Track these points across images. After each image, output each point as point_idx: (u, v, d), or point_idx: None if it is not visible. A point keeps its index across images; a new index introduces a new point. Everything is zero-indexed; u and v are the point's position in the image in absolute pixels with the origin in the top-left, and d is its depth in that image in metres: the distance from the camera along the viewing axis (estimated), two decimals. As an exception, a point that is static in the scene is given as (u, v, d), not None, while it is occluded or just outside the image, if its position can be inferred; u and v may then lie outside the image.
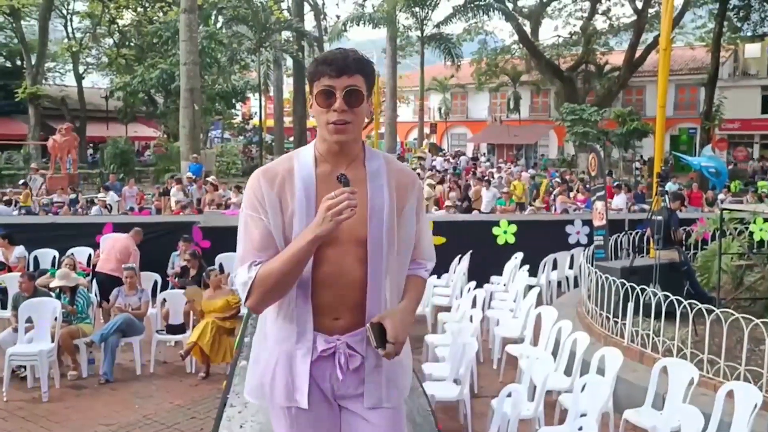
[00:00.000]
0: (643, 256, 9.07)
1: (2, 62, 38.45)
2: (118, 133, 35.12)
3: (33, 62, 33.23)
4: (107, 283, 8.90)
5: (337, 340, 2.29)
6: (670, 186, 15.35)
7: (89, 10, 35.72)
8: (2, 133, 33.91)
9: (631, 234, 10.30)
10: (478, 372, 7.08)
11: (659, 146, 9.11)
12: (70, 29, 37.96)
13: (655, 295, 6.60)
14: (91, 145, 38.08)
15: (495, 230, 11.53)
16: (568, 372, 6.20)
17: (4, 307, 8.56)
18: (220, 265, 10.09)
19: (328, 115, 2.23)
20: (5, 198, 17.77)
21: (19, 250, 10.02)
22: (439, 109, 47.44)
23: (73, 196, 17.21)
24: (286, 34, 35.72)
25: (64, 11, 37.23)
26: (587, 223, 11.37)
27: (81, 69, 38.34)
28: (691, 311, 6.33)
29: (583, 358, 6.00)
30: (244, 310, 7.21)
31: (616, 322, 7.23)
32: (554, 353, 6.54)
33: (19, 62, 36.54)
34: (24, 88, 31.73)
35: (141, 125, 39.84)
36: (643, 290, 6.79)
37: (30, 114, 33.07)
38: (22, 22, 35.37)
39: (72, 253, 10.14)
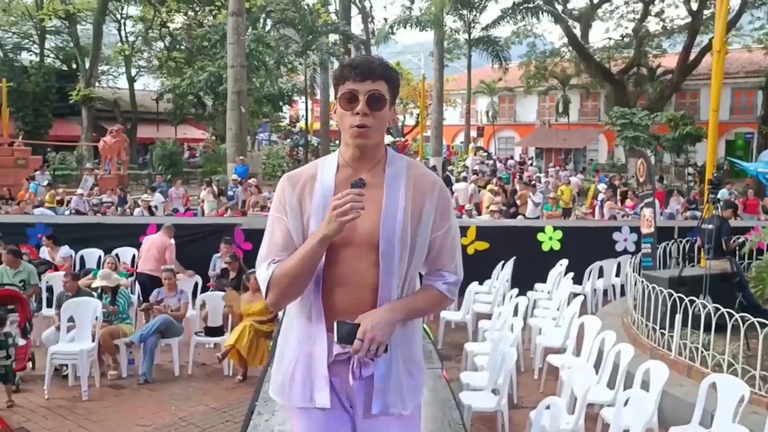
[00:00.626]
0: (693, 266, 8.74)
1: (58, 65, 39.46)
2: (168, 134, 35.74)
3: (87, 65, 34.05)
4: (148, 283, 9.02)
5: None
6: (724, 193, 14.88)
7: (141, 14, 36.45)
8: (57, 134, 34.85)
9: (681, 242, 9.98)
10: (518, 382, 6.92)
11: (711, 152, 8.78)
12: (123, 33, 38.79)
13: (704, 306, 6.33)
14: (141, 146, 38.81)
15: (540, 236, 11.31)
16: (611, 385, 5.98)
17: (51, 306, 8.71)
18: (261, 268, 10.10)
19: (351, 119, 2.27)
20: (57, 198, 18.23)
21: (64, 250, 10.22)
22: (487, 112, 47.07)
23: (121, 196, 17.56)
24: (333, 38, 35.85)
25: (118, 15, 38.04)
26: (635, 230, 11.05)
27: (133, 72, 39.12)
28: (743, 324, 6.04)
29: (628, 371, 5.78)
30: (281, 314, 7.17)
31: (663, 334, 6.96)
32: (597, 364, 6.33)
33: (74, 65, 37.45)
34: (78, 90, 32.53)
35: (190, 127, 40.49)
36: (692, 301, 6.53)
37: (83, 116, 33.89)
38: (78, 26, 36.29)
39: (116, 254, 10.32)
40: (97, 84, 36.17)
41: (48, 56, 39.20)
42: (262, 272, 2.31)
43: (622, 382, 5.72)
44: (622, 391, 5.53)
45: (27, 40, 38.95)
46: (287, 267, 2.25)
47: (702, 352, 6.36)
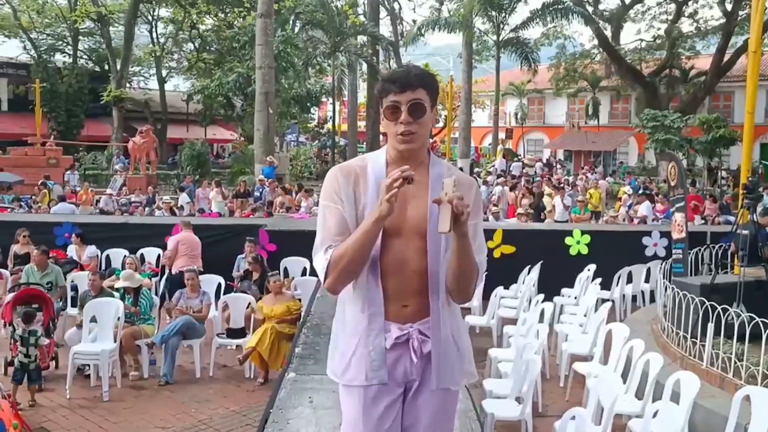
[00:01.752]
0: (726, 272, 8.48)
1: (91, 66, 39.98)
2: (198, 135, 35.97)
3: (118, 67, 34.43)
4: (178, 280, 8.92)
5: (411, 327, 2.52)
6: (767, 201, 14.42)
7: (172, 15, 36.76)
8: (89, 134, 35.28)
9: (713, 248, 9.71)
10: (543, 389, 6.77)
11: (746, 155, 8.51)
12: (154, 35, 39.18)
13: (738, 315, 6.12)
14: (171, 147, 39.14)
15: (568, 240, 11.10)
16: (639, 395, 5.80)
17: (75, 305, 8.74)
18: (285, 269, 10.07)
19: (396, 127, 2.50)
20: (84, 197, 18.41)
21: (91, 249, 10.27)
22: (516, 114, 46.66)
23: (150, 196, 17.68)
24: (361, 39, 35.81)
25: (149, 17, 38.44)
26: (665, 234, 10.81)
27: (164, 73, 39.48)
28: (779, 335, 5.82)
29: (657, 381, 5.60)
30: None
31: (694, 343, 6.74)
32: (625, 373, 6.15)
33: (106, 67, 37.90)
34: (109, 91, 32.89)
35: (219, 128, 40.71)
36: (725, 310, 6.32)
37: (114, 116, 34.27)
38: (110, 28, 36.74)
39: (141, 254, 10.36)
40: (128, 85, 36.56)
41: (81, 58, 39.74)
42: (320, 258, 2.46)
43: (651, 393, 5.54)
44: (650, 401, 5.35)
45: (61, 42, 39.51)
46: (345, 248, 2.41)
47: (735, 362, 6.14)
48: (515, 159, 33.77)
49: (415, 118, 2.47)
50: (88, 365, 7.30)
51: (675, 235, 8.99)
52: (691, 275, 8.66)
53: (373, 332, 2.53)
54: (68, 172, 22.30)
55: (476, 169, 30.82)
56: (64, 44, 39.39)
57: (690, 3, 33.35)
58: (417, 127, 2.48)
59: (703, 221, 14.59)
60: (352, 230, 2.46)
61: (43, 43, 38.90)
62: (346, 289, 2.55)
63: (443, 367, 2.58)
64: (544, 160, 38.21)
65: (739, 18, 29.87)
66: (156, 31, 39.25)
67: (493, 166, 29.94)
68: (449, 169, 2.65)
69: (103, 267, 10.31)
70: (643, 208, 14.92)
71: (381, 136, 35.99)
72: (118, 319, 7.31)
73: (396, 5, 42.71)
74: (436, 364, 2.56)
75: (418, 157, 2.57)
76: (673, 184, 9.30)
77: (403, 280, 2.52)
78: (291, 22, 33.57)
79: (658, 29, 35.18)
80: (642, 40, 36.32)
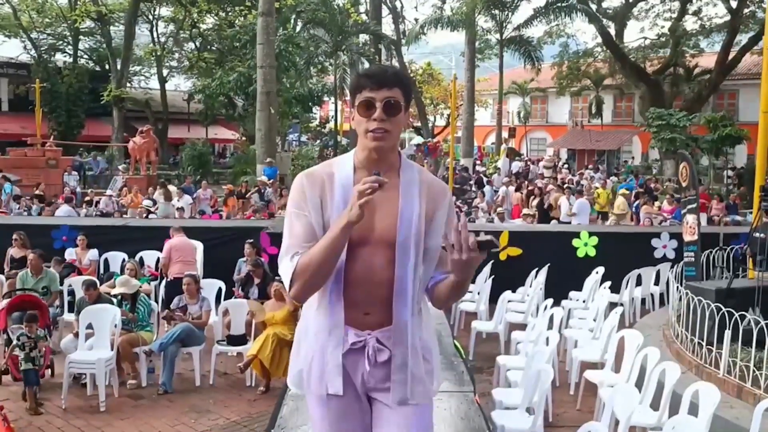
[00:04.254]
0: (743, 276, 8.24)
1: (91, 66, 39.75)
2: (199, 135, 35.76)
3: (119, 66, 34.21)
4: (175, 288, 8.76)
5: (368, 335, 2.45)
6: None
7: (173, 14, 36.53)
8: (90, 134, 35.04)
9: (725, 249, 9.49)
10: (553, 398, 6.55)
11: (762, 156, 8.26)
12: (155, 34, 38.96)
13: (757, 322, 5.90)
14: (173, 147, 38.92)
15: (575, 242, 10.89)
16: (654, 405, 5.58)
17: (72, 310, 8.53)
18: (287, 273, 9.85)
19: (368, 124, 2.40)
20: (86, 198, 18.22)
21: (93, 253, 10.08)
22: (518, 113, 46.44)
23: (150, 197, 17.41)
24: (363, 38, 35.59)
25: (150, 16, 38.21)
26: (675, 236, 10.59)
27: (164, 72, 39.24)
28: (800, 342, 5.60)
29: (674, 391, 5.38)
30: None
31: (710, 350, 6.52)
32: (639, 382, 5.92)
33: (107, 66, 37.68)
34: (109, 91, 32.68)
35: (221, 128, 40.48)
36: (742, 316, 6.09)
37: (114, 116, 34.05)
38: (111, 27, 36.52)
39: (141, 257, 10.15)
40: (129, 84, 36.32)
41: (81, 57, 39.47)
42: (286, 265, 2.37)
43: (668, 403, 5.33)
44: (667, 412, 5.14)
45: (61, 42, 39.28)
46: (312, 256, 2.32)
47: (754, 371, 5.92)
48: (517, 158, 33.50)
49: (389, 116, 2.38)
50: (85, 374, 7.10)
51: (687, 238, 8.76)
52: (703, 279, 8.43)
53: (331, 343, 2.46)
54: (66, 173, 22.06)
55: (479, 168, 30.55)
56: (65, 44, 39.12)
57: (694, 0, 33.05)
58: (390, 126, 2.40)
59: (709, 221, 14.37)
60: (320, 237, 2.37)
61: (44, 43, 38.66)
62: (310, 298, 2.50)
63: (408, 380, 2.49)
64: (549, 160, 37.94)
65: (745, 15, 29.54)
66: (157, 31, 39.04)
67: (497, 166, 29.66)
68: (422, 173, 2.57)
69: (102, 270, 10.13)
70: (576, 206, 14.80)
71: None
72: (115, 326, 7.10)
73: (398, 3, 42.47)
74: (398, 377, 2.48)
75: (388, 158, 2.49)
76: (684, 184, 9.07)
77: (367, 290, 2.44)
78: (292, 20, 33.31)
79: (662, 27, 34.83)
80: (646, 38, 35.94)
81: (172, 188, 16.98)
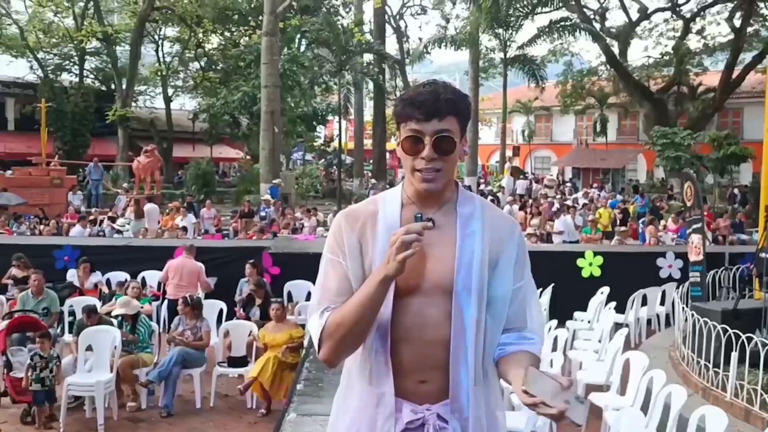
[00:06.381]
0: (750, 296, 8.15)
1: (97, 86, 40.00)
2: (204, 154, 35.83)
3: (124, 86, 34.42)
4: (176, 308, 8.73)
5: (427, 410, 2.03)
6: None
7: (178, 34, 36.78)
8: (95, 153, 35.15)
9: (731, 269, 9.40)
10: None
11: (767, 174, 8.21)
12: (160, 54, 39.20)
13: (764, 344, 5.81)
14: (177, 166, 39.01)
15: (580, 261, 10.81)
16: (661, 429, 5.48)
17: (72, 330, 8.48)
18: (289, 293, 9.80)
19: (415, 162, 2.02)
20: (90, 218, 18.20)
21: (97, 276, 10.04)
22: (523, 131, 46.49)
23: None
24: (367, 57, 35.73)
25: (155, 36, 38.49)
26: (680, 255, 10.50)
27: (169, 92, 39.45)
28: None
29: (680, 414, 5.28)
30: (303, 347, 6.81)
31: (716, 372, 6.43)
32: (644, 405, 5.83)
33: (112, 86, 37.92)
34: (114, 110, 32.85)
35: (225, 147, 40.58)
36: (749, 338, 6.01)
37: (119, 135, 34.19)
38: (116, 47, 36.78)
39: (143, 278, 10.10)
40: (134, 104, 36.50)
41: (87, 77, 39.74)
42: (314, 322, 2.03)
43: (674, 428, 5.23)
44: (674, 438, 5.05)
45: (67, 62, 39.57)
46: (342, 314, 1.97)
47: (762, 394, 5.82)
48: (522, 176, 33.49)
49: (440, 154, 1.98)
50: (83, 396, 7.02)
51: (692, 258, 8.69)
52: (709, 299, 8.34)
53: (381, 416, 2.03)
54: (71, 193, 22.10)
55: (484, 188, 30.51)
56: (71, 64, 39.41)
57: (698, 19, 33.14)
58: (442, 164, 2.00)
59: (715, 240, 14.28)
60: (356, 288, 2.02)
61: (50, 63, 38.94)
62: (352, 357, 2.10)
63: None
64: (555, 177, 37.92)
65: (748, 34, 29.61)
66: (162, 50, 39.28)
67: (501, 184, 29.62)
68: (484, 208, 2.14)
69: (105, 289, 10.08)
70: (559, 223, 14.92)
71: (388, 154, 35.79)
72: (115, 347, 7.04)
73: (402, 23, 42.67)
74: None
75: (443, 195, 2.09)
76: (689, 204, 9.01)
77: (420, 351, 2.02)
78: (297, 40, 33.51)
79: (666, 46, 34.96)
80: (649, 56, 36.08)
81: (151, 206, 16.80)
